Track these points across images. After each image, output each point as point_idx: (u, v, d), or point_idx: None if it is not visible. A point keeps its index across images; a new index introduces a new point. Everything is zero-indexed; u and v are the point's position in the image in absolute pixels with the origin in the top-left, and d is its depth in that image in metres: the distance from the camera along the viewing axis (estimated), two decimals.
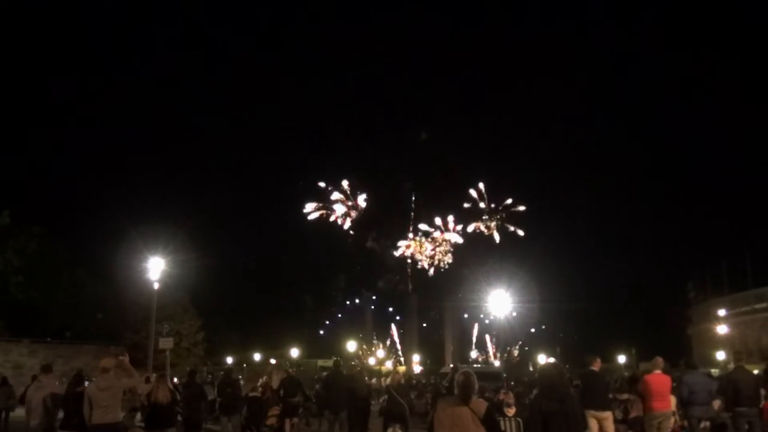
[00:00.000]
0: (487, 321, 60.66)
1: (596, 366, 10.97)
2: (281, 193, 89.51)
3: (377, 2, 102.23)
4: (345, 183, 56.59)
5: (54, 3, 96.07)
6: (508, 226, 56.14)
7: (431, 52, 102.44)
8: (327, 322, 67.32)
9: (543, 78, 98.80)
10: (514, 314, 54.57)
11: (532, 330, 64.35)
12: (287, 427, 15.33)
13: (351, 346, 58.36)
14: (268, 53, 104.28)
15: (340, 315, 65.70)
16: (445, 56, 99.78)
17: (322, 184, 58.33)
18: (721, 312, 50.91)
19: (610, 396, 11.70)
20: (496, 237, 58.35)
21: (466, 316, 62.74)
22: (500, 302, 44.94)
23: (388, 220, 58.26)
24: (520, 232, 55.82)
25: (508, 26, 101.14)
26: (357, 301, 63.59)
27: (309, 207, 57.77)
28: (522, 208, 57.28)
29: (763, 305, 52.27)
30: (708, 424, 11.55)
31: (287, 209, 58.63)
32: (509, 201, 56.95)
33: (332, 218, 57.04)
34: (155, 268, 24.43)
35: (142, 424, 12.21)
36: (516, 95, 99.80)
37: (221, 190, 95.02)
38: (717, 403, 11.62)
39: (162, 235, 29.94)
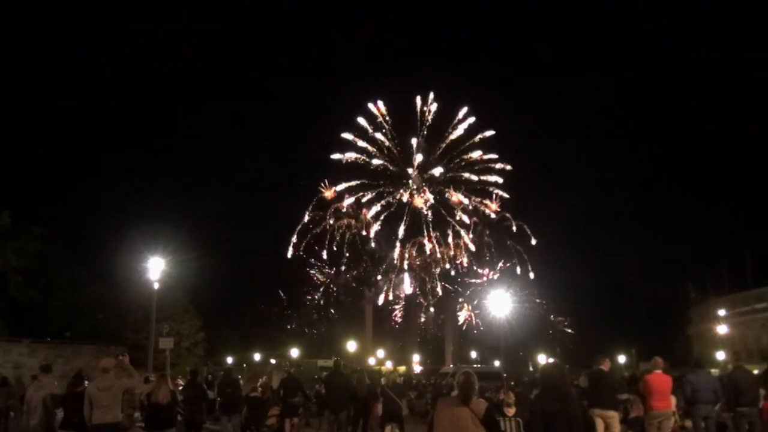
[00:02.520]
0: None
1: (605, 366, 11.14)
2: (281, 194, 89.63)
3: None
4: (350, 200, 52.92)
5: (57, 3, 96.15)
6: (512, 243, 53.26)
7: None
8: (327, 322, 67.15)
9: (544, 78, 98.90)
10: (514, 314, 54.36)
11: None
12: (287, 427, 15.31)
13: (351, 346, 58.24)
14: (267, 50, 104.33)
15: (340, 314, 65.50)
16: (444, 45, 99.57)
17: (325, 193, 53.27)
18: (721, 312, 50.86)
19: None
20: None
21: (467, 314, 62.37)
22: (500, 302, 44.94)
23: (391, 223, 55.54)
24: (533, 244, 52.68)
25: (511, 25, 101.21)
26: (357, 300, 63.37)
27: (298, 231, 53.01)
28: (533, 241, 52.78)
29: (763, 305, 52.21)
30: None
31: (287, 209, 58.50)
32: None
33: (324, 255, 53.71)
34: (155, 268, 24.38)
35: (142, 424, 12.20)
36: (516, 95, 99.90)
37: (221, 191, 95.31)
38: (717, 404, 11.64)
39: (162, 235, 29.91)
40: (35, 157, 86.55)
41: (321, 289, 63.47)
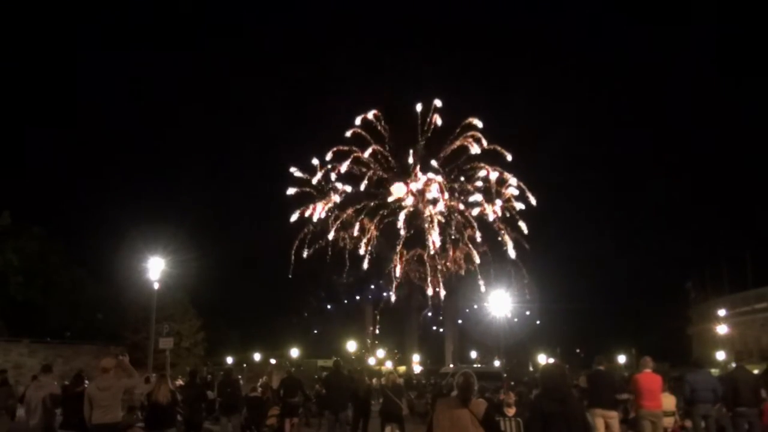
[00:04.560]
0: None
1: (603, 366, 11.27)
2: (281, 193, 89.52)
3: None
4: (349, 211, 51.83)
5: (55, 3, 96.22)
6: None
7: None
8: (327, 322, 67.13)
9: (544, 79, 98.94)
10: (515, 317, 54.19)
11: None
12: (287, 427, 15.33)
13: (351, 346, 58.20)
14: (269, 51, 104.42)
15: (340, 314, 65.51)
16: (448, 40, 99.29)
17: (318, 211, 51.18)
18: (721, 312, 50.79)
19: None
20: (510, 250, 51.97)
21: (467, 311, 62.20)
22: (500, 302, 44.88)
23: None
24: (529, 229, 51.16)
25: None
26: (358, 299, 63.28)
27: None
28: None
29: (763, 305, 52.15)
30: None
31: (287, 208, 58.30)
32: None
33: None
34: (155, 268, 24.36)
35: (142, 424, 12.20)
36: (517, 95, 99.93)
37: (221, 190, 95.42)
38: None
39: (162, 235, 29.89)
40: (35, 157, 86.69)
41: (321, 291, 63.45)
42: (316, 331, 68.29)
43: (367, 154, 50.12)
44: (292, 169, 50.17)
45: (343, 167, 50.40)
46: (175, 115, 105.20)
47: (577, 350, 71.20)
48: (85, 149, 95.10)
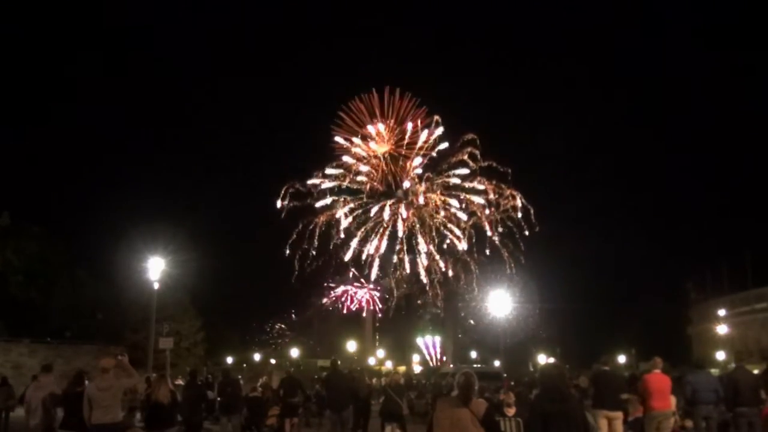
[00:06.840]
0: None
1: (609, 366, 11.16)
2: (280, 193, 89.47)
3: None
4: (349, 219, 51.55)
5: (55, 3, 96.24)
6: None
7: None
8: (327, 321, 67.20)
9: (544, 81, 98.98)
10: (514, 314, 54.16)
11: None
12: (287, 427, 15.33)
13: (351, 346, 58.28)
14: (271, 51, 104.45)
15: (340, 314, 65.57)
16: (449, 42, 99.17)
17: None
18: (721, 312, 50.81)
19: None
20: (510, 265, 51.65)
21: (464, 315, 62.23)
22: (500, 302, 44.88)
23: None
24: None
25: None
26: (357, 299, 63.37)
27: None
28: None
29: (763, 305, 52.19)
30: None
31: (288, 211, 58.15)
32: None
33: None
34: (155, 268, 24.34)
35: (142, 424, 12.19)
36: (515, 97, 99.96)
37: (221, 190, 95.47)
38: None
39: (162, 235, 29.84)
40: (35, 157, 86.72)
41: (322, 292, 63.55)
42: (316, 331, 68.39)
43: (366, 166, 50.31)
44: (278, 202, 50.02)
45: (343, 173, 50.53)
46: (175, 115, 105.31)
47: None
48: (85, 149, 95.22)
